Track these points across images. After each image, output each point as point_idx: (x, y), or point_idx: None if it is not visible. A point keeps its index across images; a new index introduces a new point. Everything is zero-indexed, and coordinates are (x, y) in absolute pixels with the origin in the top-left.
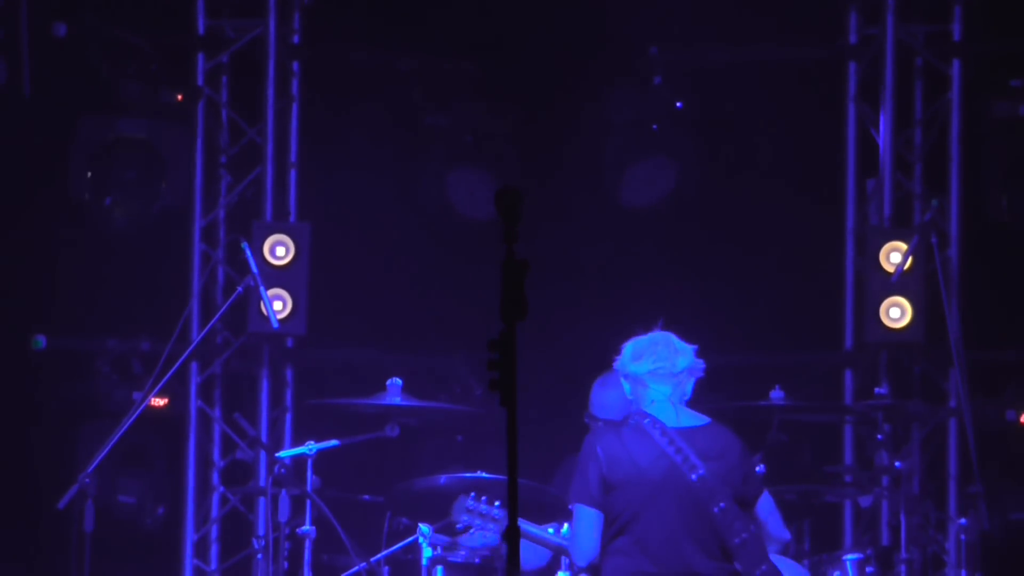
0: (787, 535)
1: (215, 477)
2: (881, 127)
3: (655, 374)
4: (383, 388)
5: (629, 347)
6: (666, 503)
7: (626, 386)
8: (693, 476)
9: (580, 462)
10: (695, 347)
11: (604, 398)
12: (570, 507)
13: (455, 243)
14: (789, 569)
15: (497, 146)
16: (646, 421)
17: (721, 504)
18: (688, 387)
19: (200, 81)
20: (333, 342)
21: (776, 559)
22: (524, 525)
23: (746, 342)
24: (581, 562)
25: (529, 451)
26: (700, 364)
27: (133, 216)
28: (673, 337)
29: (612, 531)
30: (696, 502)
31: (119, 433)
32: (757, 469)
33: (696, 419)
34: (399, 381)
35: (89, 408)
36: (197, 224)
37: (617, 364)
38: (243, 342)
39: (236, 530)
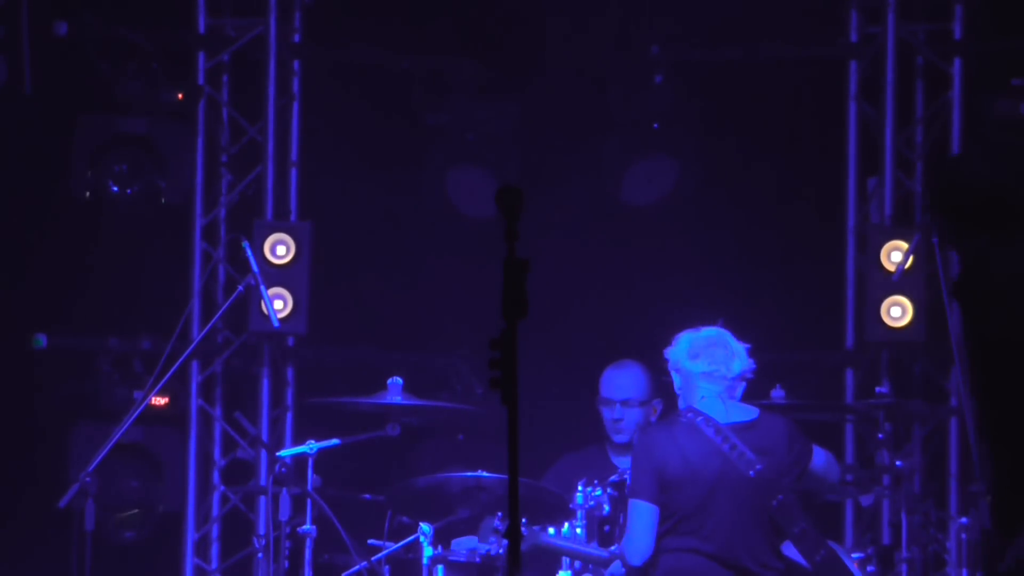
0: (838, 471)
1: (216, 476)
2: (883, 126)
3: (710, 376)
4: (384, 387)
5: (685, 341)
6: (722, 500)
7: (676, 379)
8: (751, 472)
9: (635, 459)
10: (748, 346)
11: (616, 379)
12: (628, 503)
13: (456, 241)
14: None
15: (498, 145)
16: (699, 419)
17: (779, 497)
18: (739, 390)
19: (201, 80)
20: (334, 341)
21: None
22: (554, 540)
23: (746, 341)
24: (636, 560)
25: (530, 450)
26: (752, 365)
27: (133, 214)
28: (730, 337)
29: (664, 529)
30: (754, 497)
31: (120, 432)
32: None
33: (746, 413)
34: (400, 380)
35: (90, 407)
36: (198, 223)
37: (669, 355)
38: (244, 341)
39: (237, 529)
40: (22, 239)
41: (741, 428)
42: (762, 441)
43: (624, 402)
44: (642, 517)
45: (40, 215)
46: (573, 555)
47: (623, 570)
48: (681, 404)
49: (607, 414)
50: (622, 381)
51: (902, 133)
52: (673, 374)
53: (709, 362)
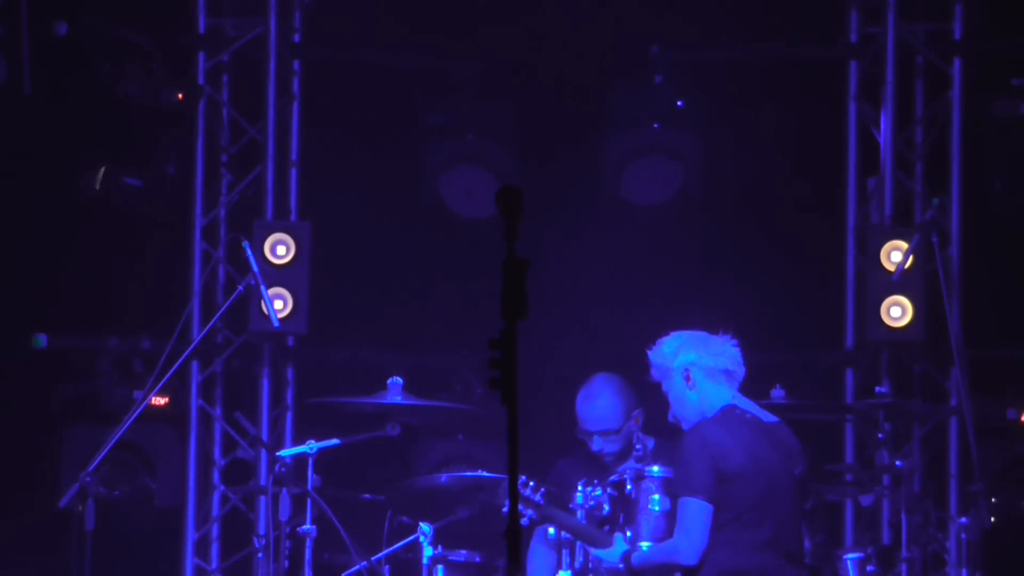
0: None
1: (216, 476)
2: (882, 126)
3: (731, 375)
4: (384, 387)
5: (694, 340)
6: (780, 494)
7: (694, 378)
8: (796, 471)
9: (687, 457)
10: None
11: (594, 410)
12: (682, 500)
13: (456, 241)
14: None
15: (497, 145)
16: (747, 416)
17: (800, 468)
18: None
19: (201, 80)
20: (334, 341)
21: None
22: (562, 514)
23: (747, 341)
24: (693, 560)
25: (530, 450)
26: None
27: (132, 215)
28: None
29: (723, 521)
30: (797, 494)
31: (120, 432)
32: None
33: (769, 415)
34: (400, 380)
35: (90, 407)
36: (198, 223)
37: (682, 358)
38: (244, 341)
39: (237, 529)
40: (22, 239)
41: (775, 428)
42: (791, 442)
43: (602, 433)
44: (700, 516)
45: (40, 215)
46: (574, 530)
47: (615, 561)
48: (688, 406)
49: (589, 445)
50: (595, 413)
51: (902, 133)
52: (687, 374)
53: (730, 360)
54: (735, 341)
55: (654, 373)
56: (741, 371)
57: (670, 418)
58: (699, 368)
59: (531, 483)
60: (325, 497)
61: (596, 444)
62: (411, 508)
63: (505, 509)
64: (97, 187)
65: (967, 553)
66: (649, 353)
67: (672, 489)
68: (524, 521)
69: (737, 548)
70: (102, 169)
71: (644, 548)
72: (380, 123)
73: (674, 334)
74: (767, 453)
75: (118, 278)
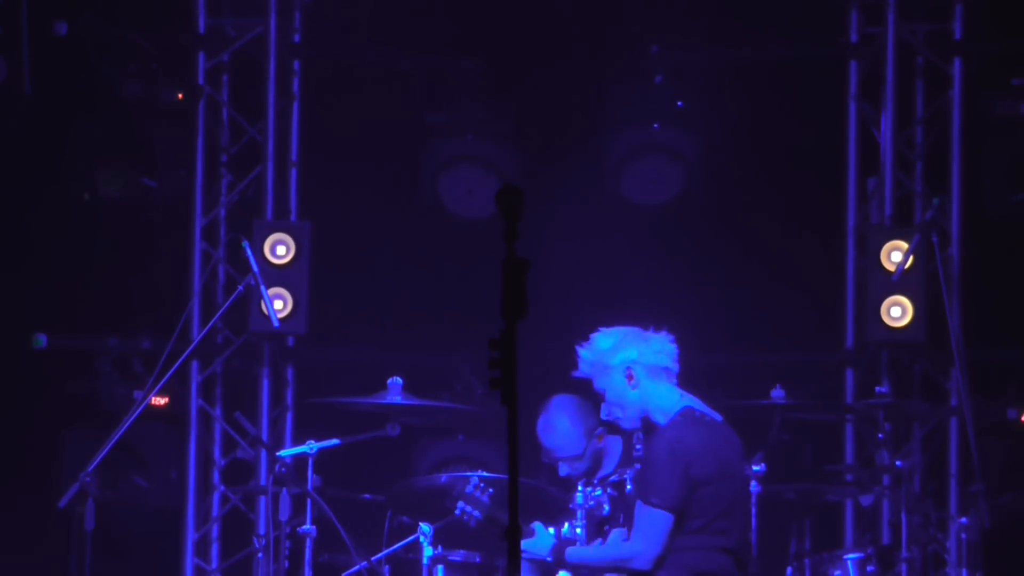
0: None
1: (216, 476)
2: (882, 126)
3: (670, 372)
4: (384, 387)
5: (633, 337)
6: (743, 498)
7: (636, 376)
8: (746, 470)
9: (654, 463)
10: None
11: (555, 439)
12: (648, 507)
13: (456, 241)
14: None
15: (497, 145)
16: (707, 418)
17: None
18: None
19: (201, 80)
20: (334, 341)
21: None
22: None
23: (747, 341)
24: (648, 566)
25: (530, 450)
26: None
27: (133, 215)
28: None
29: (693, 527)
30: (748, 493)
31: (120, 432)
32: (759, 468)
33: (717, 414)
34: (400, 380)
35: (90, 407)
36: (198, 223)
37: (623, 353)
38: (244, 341)
39: (237, 529)
40: (22, 239)
41: (724, 427)
42: (738, 440)
43: (566, 459)
44: (663, 525)
45: (40, 215)
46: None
47: (542, 554)
48: (630, 405)
49: (557, 470)
50: (556, 442)
51: (902, 133)
52: (628, 372)
53: (669, 358)
54: (672, 337)
55: (585, 369)
56: (677, 368)
57: (603, 415)
58: (641, 366)
59: (482, 484)
60: (325, 497)
61: (563, 470)
62: (411, 508)
63: (457, 512)
64: (114, 188)
65: (967, 553)
66: (581, 349)
67: (637, 488)
68: (471, 523)
69: (705, 551)
70: (124, 170)
71: (564, 531)
72: (380, 123)
73: (608, 330)
74: (729, 456)
75: (118, 278)
